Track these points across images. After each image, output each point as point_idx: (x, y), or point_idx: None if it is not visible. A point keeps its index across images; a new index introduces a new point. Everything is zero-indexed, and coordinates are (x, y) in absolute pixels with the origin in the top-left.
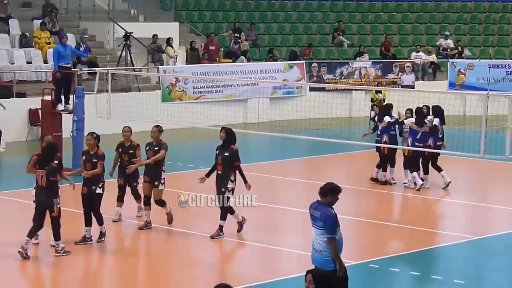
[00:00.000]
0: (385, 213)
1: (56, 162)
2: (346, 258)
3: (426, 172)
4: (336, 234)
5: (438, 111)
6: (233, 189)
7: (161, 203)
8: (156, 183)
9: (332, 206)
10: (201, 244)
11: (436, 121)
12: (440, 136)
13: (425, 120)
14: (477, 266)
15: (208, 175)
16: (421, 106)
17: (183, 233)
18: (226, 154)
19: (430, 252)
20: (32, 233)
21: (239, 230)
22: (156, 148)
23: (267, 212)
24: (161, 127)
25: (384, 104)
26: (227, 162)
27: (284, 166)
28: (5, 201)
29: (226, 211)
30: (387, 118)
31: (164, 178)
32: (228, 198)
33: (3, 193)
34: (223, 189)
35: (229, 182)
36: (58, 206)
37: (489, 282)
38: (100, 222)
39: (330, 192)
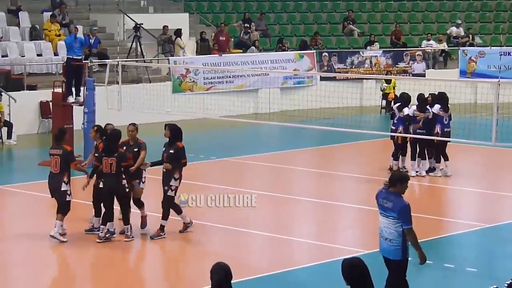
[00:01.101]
0: None
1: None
2: (359, 247)
3: (438, 160)
4: (412, 224)
5: (439, 98)
6: (176, 188)
7: (139, 203)
8: (137, 181)
9: (402, 195)
10: (211, 234)
11: (435, 108)
12: (446, 122)
13: (427, 107)
14: (490, 254)
15: (152, 164)
16: (422, 93)
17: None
18: (171, 151)
19: (442, 240)
20: (106, 220)
21: (182, 231)
22: (135, 149)
23: (278, 202)
24: (137, 126)
25: (396, 93)
26: (172, 159)
27: (295, 156)
28: (17, 193)
29: (169, 210)
30: (406, 110)
31: (145, 177)
32: (171, 197)
33: (16, 186)
34: (165, 188)
35: (173, 179)
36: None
37: (502, 270)
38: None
39: (398, 181)
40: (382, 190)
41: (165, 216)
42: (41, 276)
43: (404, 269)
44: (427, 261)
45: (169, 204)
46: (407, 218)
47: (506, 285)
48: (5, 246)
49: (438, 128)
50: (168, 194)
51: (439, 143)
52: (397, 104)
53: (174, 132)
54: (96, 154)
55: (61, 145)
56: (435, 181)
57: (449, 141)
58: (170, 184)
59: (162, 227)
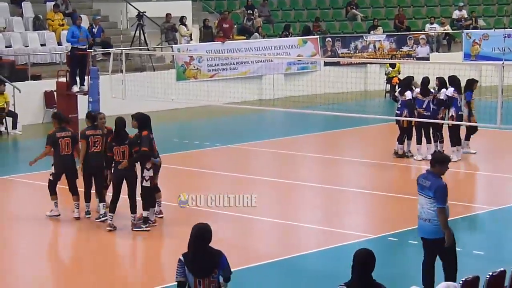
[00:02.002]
0: (403, 186)
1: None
2: (365, 232)
3: (453, 144)
4: (446, 204)
5: (452, 81)
6: (150, 177)
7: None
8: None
9: (441, 176)
10: (218, 221)
11: (449, 91)
12: (460, 105)
13: (431, 90)
14: (496, 236)
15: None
16: (427, 76)
17: (198, 211)
18: (138, 141)
19: (449, 223)
20: (113, 208)
21: (135, 227)
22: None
23: (284, 188)
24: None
25: (400, 77)
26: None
27: (300, 141)
28: (23, 183)
29: (148, 199)
30: (409, 94)
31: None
32: (147, 187)
33: (21, 176)
34: (141, 179)
35: (145, 170)
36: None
37: (509, 252)
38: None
39: (438, 163)
40: (425, 171)
41: (145, 207)
42: (52, 265)
43: (453, 248)
44: None
45: (146, 195)
46: (442, 197)
47: None
48: (14, 235)
49: (453, 111)
50: (143, 185)
51: (454, 127)
52: (399, 89)
53: (139, 121)
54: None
55: (67, 127)
56: None
57: (461, 125)
58: (143, 175)
59: (145, 220)
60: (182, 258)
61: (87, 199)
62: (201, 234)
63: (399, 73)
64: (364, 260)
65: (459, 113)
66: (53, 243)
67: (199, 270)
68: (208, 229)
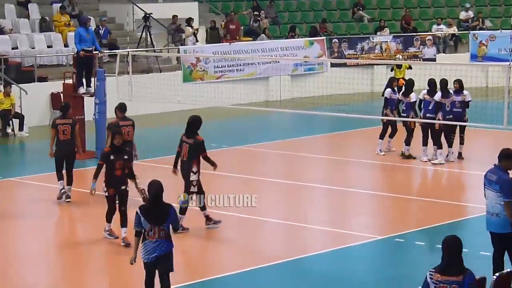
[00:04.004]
0: (409, 187)
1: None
2: (371, 233)
3: (450, 145)
4: None
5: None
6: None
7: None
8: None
9: (508, 171)
10: (225, 222)
11: (437, 96)
12: (448, 109)
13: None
14: None
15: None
16: (434, 78)
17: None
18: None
19: (455, 225)
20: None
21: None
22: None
23: (291, 189)
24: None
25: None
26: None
27: (306, 143)
28: (30, 185)
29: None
30: (413, 95)
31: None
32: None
33: (28, 177)
34: None
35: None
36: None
37: None
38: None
39: (504, 157)
40: (493, 165)
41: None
42: (55, 267)
43: None
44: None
45: None
46: (508, 191)
47: None
48: (20, 236)
49: (440, 115)
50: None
51: (438, 130)
52: (401, 91)
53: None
54: None
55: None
56: (447, 165)
57: (453, 125)
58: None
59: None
60: (138, 210)
61: (60, 178)
62: (159, 190)
63: (407, 70)
64: (458, 247)
65: (447, 117)
66: (60, 244)
67: (155, 220)
68: (162, 185)
